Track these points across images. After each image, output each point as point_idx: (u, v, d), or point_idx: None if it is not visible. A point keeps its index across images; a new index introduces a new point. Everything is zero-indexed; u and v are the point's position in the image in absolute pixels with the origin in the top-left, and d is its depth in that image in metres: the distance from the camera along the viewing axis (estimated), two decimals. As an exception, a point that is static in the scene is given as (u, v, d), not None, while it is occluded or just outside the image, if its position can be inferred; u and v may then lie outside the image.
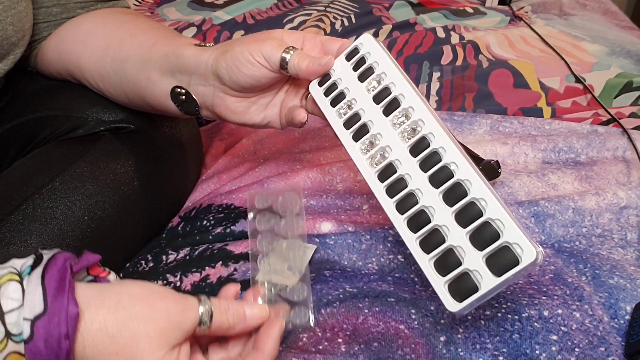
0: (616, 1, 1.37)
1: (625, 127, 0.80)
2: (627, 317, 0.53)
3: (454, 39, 1.09)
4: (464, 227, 0.45)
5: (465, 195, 0.45)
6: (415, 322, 0.52)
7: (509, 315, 0.52)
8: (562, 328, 0.51)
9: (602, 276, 0.56)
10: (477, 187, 0.45)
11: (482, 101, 0.91)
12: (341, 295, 0.56)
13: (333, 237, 0.62)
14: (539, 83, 0.94)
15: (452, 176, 0.46)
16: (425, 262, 0.46)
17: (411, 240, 0.47)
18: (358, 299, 0.55)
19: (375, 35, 1.12)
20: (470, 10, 1.22)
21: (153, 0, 1.31)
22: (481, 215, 0.44)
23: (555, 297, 0.54)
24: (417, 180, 0.48)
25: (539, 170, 0.74)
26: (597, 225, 0.64)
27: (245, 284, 0.57)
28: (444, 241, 0.45)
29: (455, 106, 0.91)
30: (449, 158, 0.47)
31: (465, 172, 0.46)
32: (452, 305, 0.44)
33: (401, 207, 0.48)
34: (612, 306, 0.53)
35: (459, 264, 0.44)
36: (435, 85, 0.97)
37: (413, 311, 0.53)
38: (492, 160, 0.68)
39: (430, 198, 0.47)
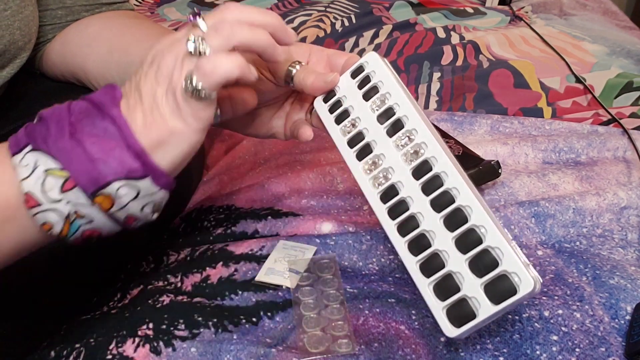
0: (616, 1, 1.37)
1: (625, 127, 0.80)
2: (628, 317, 0.53)
3: (454, 39, 1.09)
4: (464, 253, 0.45)
5: (466, 221, 0.45)
6: (416, 323, 0.52)
7: (510, 316, 0.52)
8: (563, 328, 0.51)
9: (603, 276, 0.57)
10: (478, 214, 0.45)
11: (482, 101, 0.91)
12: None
13: (333, 238, 0.62)
14: (539, 83, 0.94)
15: (454, 202, 0.46)
16: (425, 286, 0.46)
17: (411, 264, 0.47)
18: (359, 300, 0.55)
19: (376, 35, 1.13)
20: (471, 11, 1.22)
21: (153, 0, 1.31)
22: (481, 242, 0.44)
23: (556, 298, 0.54)
24: (419, 204, 0.48)
25: (539, 170, 0.74)
26: (597, 225, 0.64)
27: (246, 285, 0.57)
28: (443, 266, 0.45)
29: (456, 106, 0.91)
30: (451, 183, 0.47)
31: (466, 198, 0.46)
32: (450, 330, 0.44)
33: (402, 230, 0.48)
34: (613, 306, 0.54)
35: (458, 289, 0.44)
36: (435, 86, 0.97)
37: (413, 312, 0.53)
38: (493, 160, 0.69)
39: (431, 222, 0.47)
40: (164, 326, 0.53)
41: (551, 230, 0.64)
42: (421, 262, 0.47)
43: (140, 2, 1.30)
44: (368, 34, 1.13)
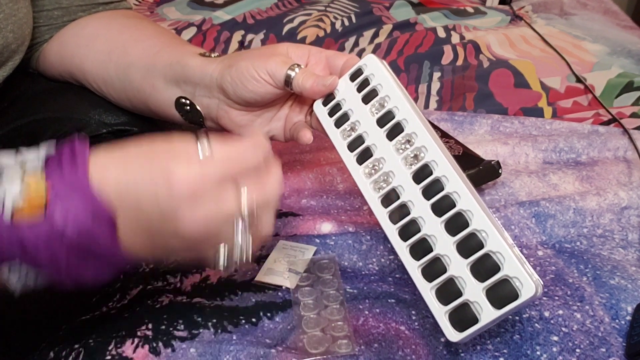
0: (617, 1, 1.37)
1: (626, 127, 0.80)
2: (628, 317, 0.53)
3: (455, 38, 1.09)
4: (465, 257, 0.45)
5: (467, 226, 0.45)
6: (416, 323, 0.52)
7: (510, 316, 0.52)
8: (563, 329, 0.51)
9: (603, 277, 0.56)
10: (479, 219, 0.45)
11: (482, 101, 0.91)
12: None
13: (333, 238, 0.62)
14: (539, 83, 0.94)
15: (454, 206, 0.46)
16: (427, 290, 0.46)
17: (413, 268, 0.47)
18: (358, 301, 0.55)
19: (376, 35, 1.12)
20: (471, 10, 1.22)
21: (153, 0, 1.31)
22: (482, 247, 0.44)
23: (556, 298, 0.54)
24: (420, 208, 0.48)
25: (539, 170, 0.74)
26: (598, 225, 0.64)
27: (246, 285, 0.57)
28: (445, 270, 0.45)
29: (456, 106, 0.91)
30: (451, 187, 0.47)
31: (467, 202, 0.46)
32: (453, 335, 0.44)
33: (404, 234, 0.48)
34: (613, 307, 0.53)
35: (460, 294, 0.44)
36: (435, 85, 0.97)
37: (413, 312, 0.53)
38: (493, 160, 0.68)
39: (432, 226, 0.47)
40: (163, 327, 0.53)
41: (551, 230, 0.63)
42: (423, 266, 0.47)
43: (139, 2, 1.30)
44: (368, 34, 1.13)
